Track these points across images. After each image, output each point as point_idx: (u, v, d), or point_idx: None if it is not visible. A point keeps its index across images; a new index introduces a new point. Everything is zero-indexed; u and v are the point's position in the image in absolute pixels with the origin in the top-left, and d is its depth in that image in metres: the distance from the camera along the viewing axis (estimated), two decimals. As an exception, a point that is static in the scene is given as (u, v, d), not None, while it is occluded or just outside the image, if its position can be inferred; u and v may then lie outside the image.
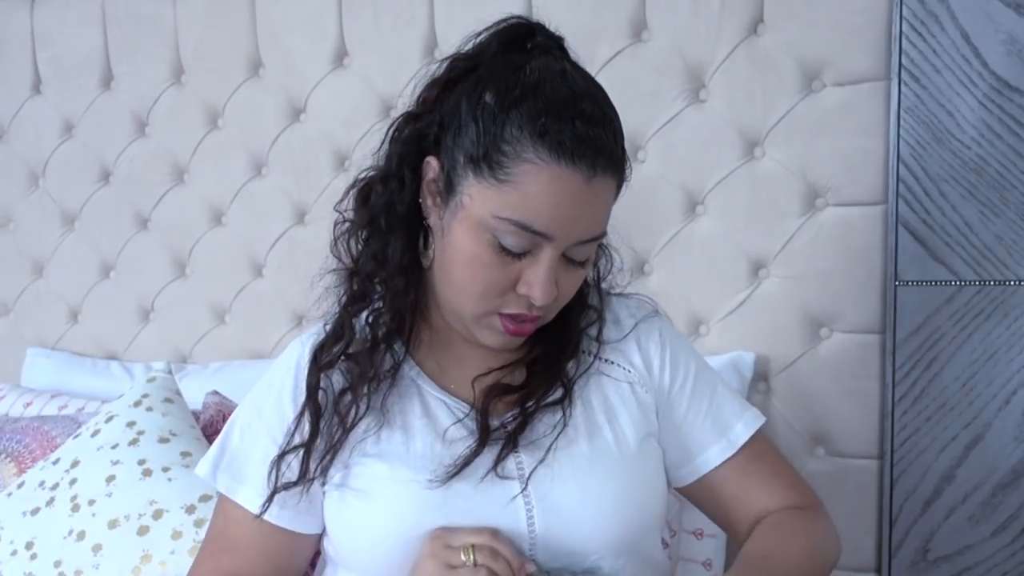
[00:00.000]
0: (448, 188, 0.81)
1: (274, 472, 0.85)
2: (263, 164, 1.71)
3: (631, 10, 1.40)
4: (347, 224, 0.88)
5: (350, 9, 1.59)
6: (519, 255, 0.79)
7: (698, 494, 0.95)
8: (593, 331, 0.92)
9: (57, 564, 1.21)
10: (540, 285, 0.79)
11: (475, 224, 0.79)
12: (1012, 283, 1.24)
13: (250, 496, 0.87)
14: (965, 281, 1.26)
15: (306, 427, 0.85)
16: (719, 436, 0.93)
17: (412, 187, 0.85)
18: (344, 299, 0.89)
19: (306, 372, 0.87)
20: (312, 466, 0.85)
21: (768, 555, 0.86)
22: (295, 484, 0.85)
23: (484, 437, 0.83)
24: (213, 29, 1.71)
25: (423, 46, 1.54)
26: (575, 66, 0.83)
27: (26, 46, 1.89)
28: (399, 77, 1.55)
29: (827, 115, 1.31)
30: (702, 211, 1.41)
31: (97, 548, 1.21)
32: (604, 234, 0.83)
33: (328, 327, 0.89)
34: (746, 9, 1.34)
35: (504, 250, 0.79)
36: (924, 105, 1.26)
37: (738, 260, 1.39)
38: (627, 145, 1.44)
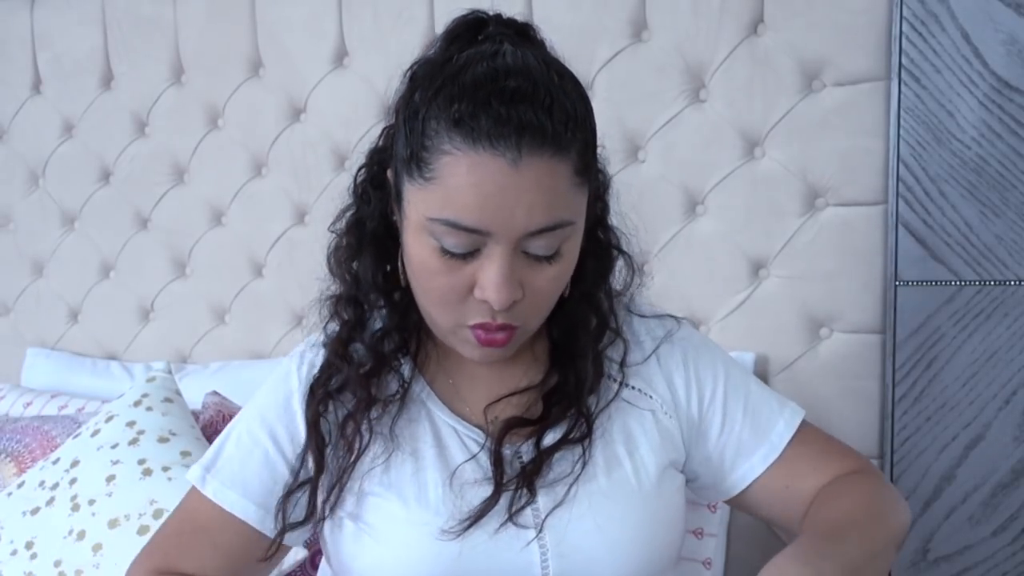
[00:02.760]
0: (398, 198, 0.77)
1: (281, 512, 0.83)
2: (263, 164, 1.71)
3: (631, 10, 1.40)
4: (335, 247, 0.86)
5: (350, 9, 1.59)
6: (466, 256, 0.73)
7: (750, 501, 0.90)
8: (615, 354, 0.87)
9: (57, 564, 1.21)
10: (493, 286, 0.72)
11: (417, 230, 0.74)
12: (1012, 283, 1.24)
13: (237, 501, 0.85)
14: (965, 281, 1.26)
15: (310, 462, 0.83)
16: (760, 441, 0.88)
17: (379, 204, 0.82)
18: (334, 327, 0.86)
19: (305, 402, 0.85)
20: (320, 501, 0.82)
21: (831, 518, 0.80)
22: (303, 523, 0.83)
23: (499, 488, 0.79)
24: (213, 29, 1.71)
25: (423, 46, 1.54)
26: (523, 46, 0.75)
27: (26, 46, 1.89)
28: (399, 77, 1.55)
29: (827, 115, 1.31)
30: (702, 211, 1.41)
31: (97, 548, 1.21)
32: (567, 223, 0.74)
33: (325, 344, 0.86)
34: (746, 9, 1.34)
35: (448, 253, 0.73)
36: (924, 105, 1.26)
37: (738, 260, 1.39)
38: (627, 145, 1.46)
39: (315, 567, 1.25)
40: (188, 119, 1.75)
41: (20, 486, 1.34)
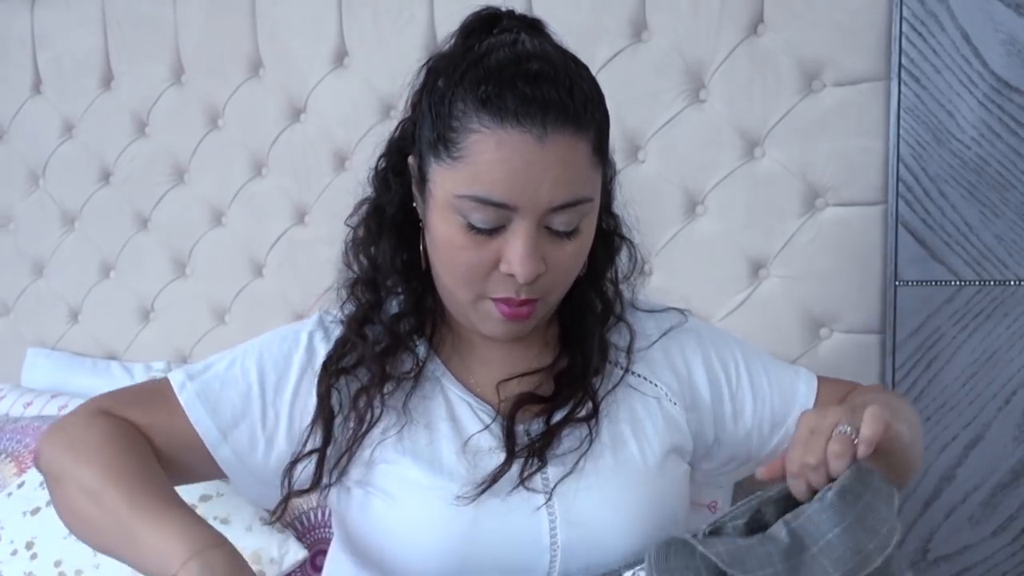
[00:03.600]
0: (422, 181, 0.81)
1: (287, 478, 0.84)
2: (263, 164, 1.71)
3: (631, 10, 1.40)
4: (351, 236, 0.90)
5: (350, 9, 1.59)
6: (491, 232, 0.77)
7: None
8: (622, 342, 0.91)
9: (57, 564, 1.21)
10: (519, 260, 0.76)
11: (443, 208, 0.77)
12: (1012, 283, 1.24)
13: (203, 418, 0.84)
14: (965, 281, 1.26)
15: (319, 432, 0.84)
16: (790, 408, 0.94)
17: (400, 190, 0.85)
18: (351, 309, 0.89)
19: (301, 365, 0.87)
20: (326, 471, 0.84)
21: (875, 394, 0.90)
22: (308, 491, 0.85)
23: (511, 456, 0.82)
24: (213, 29, 1.71)
25: (423, 46, 1.54)
26: (538, 38, 0.80)
27: (26, 46, 1.89)
28: (399, 77, 1.54)
29: (827, 115, 1.31)
30: (702, 211, 1.41)
31: (97, 548, 1.21)
32: (587, 200, 0.78)
33: (342, 322, 0.89)
34: (746, 9, 1.34)
35: (475, 229, 0.76)
36: (924, 105, 1.26)
37: (738, 260, 1.39)
38: (627, 145, 1.46)
39: (315, 568, 1.25)
40: (188, 119, 1.75)
41: (20, 486, 1.34)
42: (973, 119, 1.24)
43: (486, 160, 0.74)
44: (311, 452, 0.84)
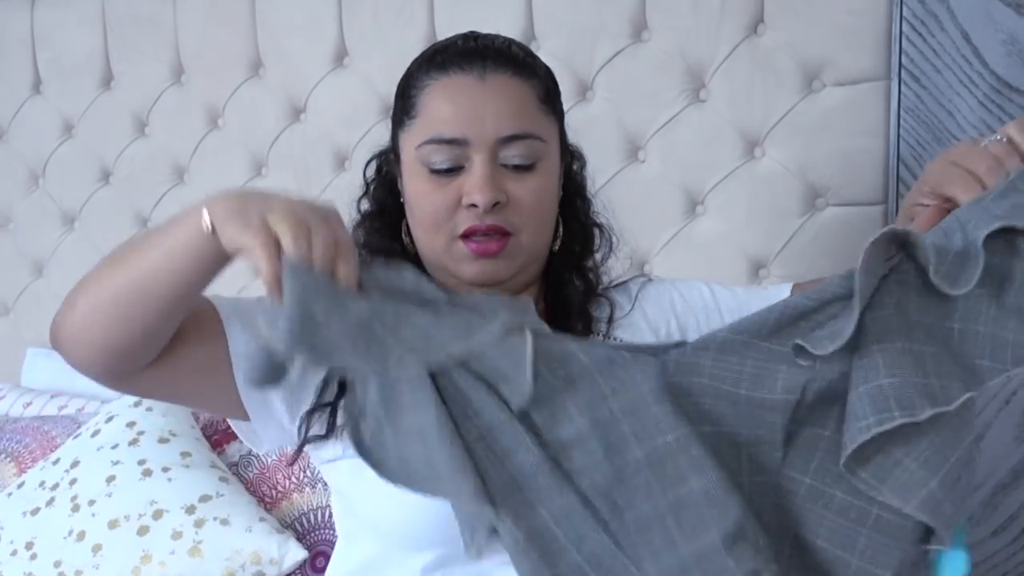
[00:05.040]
0: (397, 162, 0.90)
1: (304, 426, 0.86)
2: (263, 164, 1.71)
3: (631, 10, 1.40)
4: (353, 229, 0.94)
5: (350, 9, 1.59)
6: (451, 172, 0.84)
7: None
8: (602, 314, 0.95)
9: (57, 564, 1.21)
10: (476, 187, 0.82)
11: (411, 166, 0.86)
12: (1012, 283, 1.24)
13: (234, 330, 0.88)
14: (965, 281, 1.26)
15: (333, 387, 0.86)
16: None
17: (382, 188, 0.94)
18: None
19: None
20: (339, 421, 0.86)
21: None
22: (324, 438, 0.86)
23: None
24: (213, 29, 1.71)
25: (423, 46, 1.52)
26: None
27: (26, 46, 1.89)
28: (399, 77, 1.55)
29: (827, 115, 1.31)
30: (702, 211, 1.41)
31: (97, 548, 1.21)
32: (536, 136, 0.85)
33: None
34: (746, 9, 1.34)
35: (436, 172, 0.84)
36: (924, 105, 1.26)
37: (738, 260, 1.39)
38: (627, 145, 1.46)
39: (315, 568, 1.26)
40: (188, 119, 1.75)
41: (20, 486, 1.34)
42: (973, 119, 1.24)
43: (436, 106, 0.84)
44: (326, 404, 0.86)
